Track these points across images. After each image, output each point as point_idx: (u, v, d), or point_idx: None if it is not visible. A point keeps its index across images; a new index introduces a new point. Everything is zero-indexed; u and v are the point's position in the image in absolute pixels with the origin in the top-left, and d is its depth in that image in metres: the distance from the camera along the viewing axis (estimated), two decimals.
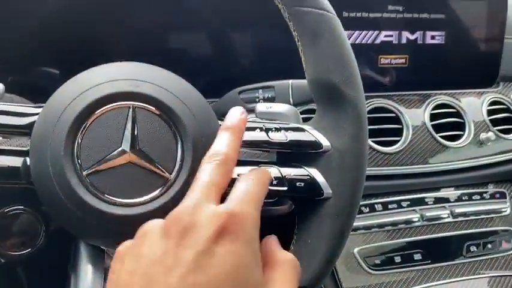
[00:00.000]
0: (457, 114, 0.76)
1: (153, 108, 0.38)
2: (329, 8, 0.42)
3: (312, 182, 0.41)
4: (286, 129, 0.42)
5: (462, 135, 0.75)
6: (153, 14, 0.65)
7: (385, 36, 0.74)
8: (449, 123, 0.75)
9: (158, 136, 0.38)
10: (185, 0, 0.66)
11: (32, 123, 0.39)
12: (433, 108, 0.75)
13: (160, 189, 0.37)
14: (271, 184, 0.41)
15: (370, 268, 0.69)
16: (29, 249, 0.40)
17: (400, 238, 0.71)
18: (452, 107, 0.77)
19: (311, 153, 0.42)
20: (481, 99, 0.79)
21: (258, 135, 0.42)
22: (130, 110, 0.37)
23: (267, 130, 0.42)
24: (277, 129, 0.42)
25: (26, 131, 0.40)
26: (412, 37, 0.76)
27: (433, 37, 0.77)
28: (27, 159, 0.39)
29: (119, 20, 0.64)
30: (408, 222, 0.71)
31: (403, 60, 0.76)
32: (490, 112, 0.78)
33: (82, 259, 0.43)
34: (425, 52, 0.77)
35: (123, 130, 0.37)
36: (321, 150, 0.41)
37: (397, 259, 0.70)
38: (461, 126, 0.76)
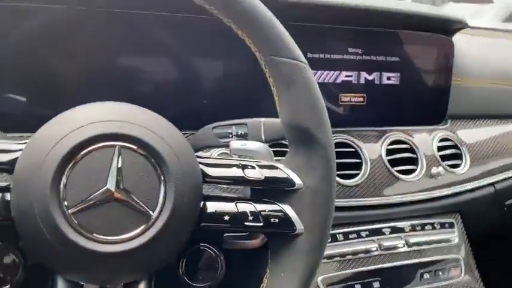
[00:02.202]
0: (411, 150, 0.82)
1: (139, 149, 0.39)
2: (302, 58, 0.45)
3: (285, 218, 0.44)
4: (261, 167, 0.45)
5: (415, 169, 0.81)
6: (124, 48, 0.66)
7: (346, 76, 0.80)
8: (404, 158, 0.81)
9: (142, 176, 0.39)
10: (160, 34, 0.68)
11: (14, 160, 0.40)
12: (389, 144, 0.81)
13: (143, 227, 0.39)
14: (248, 220, 0.43)
15: None
16: (7, 286, 0.40)
17: (360, 267, 0.75)
18: (406, 143, 0.83)
19: (284, 190, 0.45)
20: (432, 136, 0.86)
21: (235, 172, 0.44)
22: (116, 150, 0.39)
23: (243, 167, 0.45)
24: (253, 167, 0.45)
25: (7, 167, 0.40)
26: (369, 77, 0.82)
27: (388, 78, 0.83)
28: (6, 195, 0.40)
29: (86, 51, 0.64)
30: (367, 251, 0.75)
31: (361, 99, 0.82)
32: (440, 148, 0.85)
33: None
34: (382, 91, 0.83)
35: (108, 169, 0.38)
36: (294, 188, 0.44)
37: (357, 287, 0.73)
38: (414, 161, 0.82)
